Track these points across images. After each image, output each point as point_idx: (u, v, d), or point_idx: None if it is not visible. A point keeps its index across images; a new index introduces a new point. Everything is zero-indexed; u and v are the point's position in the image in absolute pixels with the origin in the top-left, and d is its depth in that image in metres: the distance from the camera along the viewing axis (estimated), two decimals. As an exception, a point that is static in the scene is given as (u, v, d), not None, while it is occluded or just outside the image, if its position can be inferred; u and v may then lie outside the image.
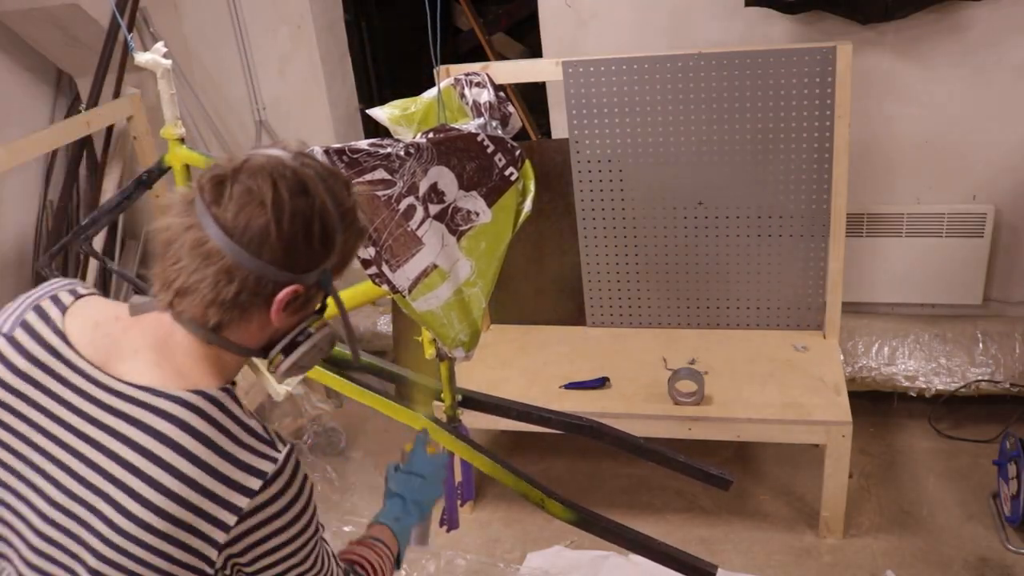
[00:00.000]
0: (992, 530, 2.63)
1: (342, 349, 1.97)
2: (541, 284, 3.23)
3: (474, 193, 1.57)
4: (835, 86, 2.60)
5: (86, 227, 1.97)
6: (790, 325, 3.00)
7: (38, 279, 3.22)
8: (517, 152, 1.58)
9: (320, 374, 1.88)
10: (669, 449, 1.93)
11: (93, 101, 3.22)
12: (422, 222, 1.53)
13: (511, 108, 1.80)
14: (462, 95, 1.75)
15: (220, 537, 1.04)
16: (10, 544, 1.12)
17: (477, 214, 1.58)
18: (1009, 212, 2.99)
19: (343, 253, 1.12)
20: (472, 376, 2.65)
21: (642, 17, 3.06)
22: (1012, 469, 2.62)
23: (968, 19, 2.76)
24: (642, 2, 3.03)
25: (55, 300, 1.14)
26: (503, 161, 1.57)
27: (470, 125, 1.59)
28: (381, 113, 1.77)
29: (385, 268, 1.55)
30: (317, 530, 1.16)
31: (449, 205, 1.55)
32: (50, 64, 3.46)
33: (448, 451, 1.92)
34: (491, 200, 1.59)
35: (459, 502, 2.13)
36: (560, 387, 2.82)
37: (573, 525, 1.94)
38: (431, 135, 1.51)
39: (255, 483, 1.05)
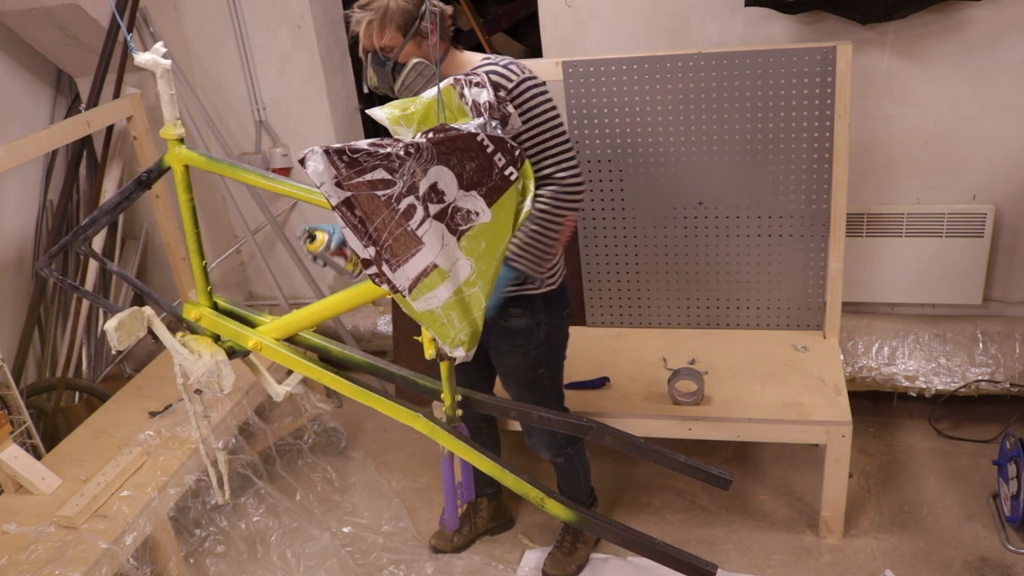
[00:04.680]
0: (992, 530, 2.63)
1: (342, 349, 1.97)
2: (541, 284, 3.24)
3: (474, 193, 1.57)
4: (835, 86, 2.60)
5: (86, 227, 1.96)
6: (790, 325, 3.00)
7: (38, 279, 3.23)
8: (516, 152, 1.58)
9: (320, 374, 1.88)
10: (669, 449, 1.93)
11: (93, 101, 3.22)
12: (422, 222, 1.53)
13: (510, 108, 1.81)
14: (461, 95, 1.76)
15: None
16: None
17: (477, 214, 1.58)
18: (1009, 212, 2.99)
19: None
20: (472, 376, 2.65)
21: (642, 17, 3.06)
22: (1012, 469, 2.62)
23: (968, 19, 2.76)
24: (642, 2, 3.03)
25: None
26: (503, 161, 1.57)
27: (470, 125, 1.59)
28: (381, 113, 1.77)
29: (385, 268, 1.55)
30: None
31: (449, 205, 1.55)
32: (50, 64, 3.46)
33: (448, 451, 1.92)
34: (491, 200, 1.59)
35: (459, 502, 2.13)
36: (560, 387, 2.82)
37: (573, 525, 1.94)
38: (431, 135, 1.51)
39: None
